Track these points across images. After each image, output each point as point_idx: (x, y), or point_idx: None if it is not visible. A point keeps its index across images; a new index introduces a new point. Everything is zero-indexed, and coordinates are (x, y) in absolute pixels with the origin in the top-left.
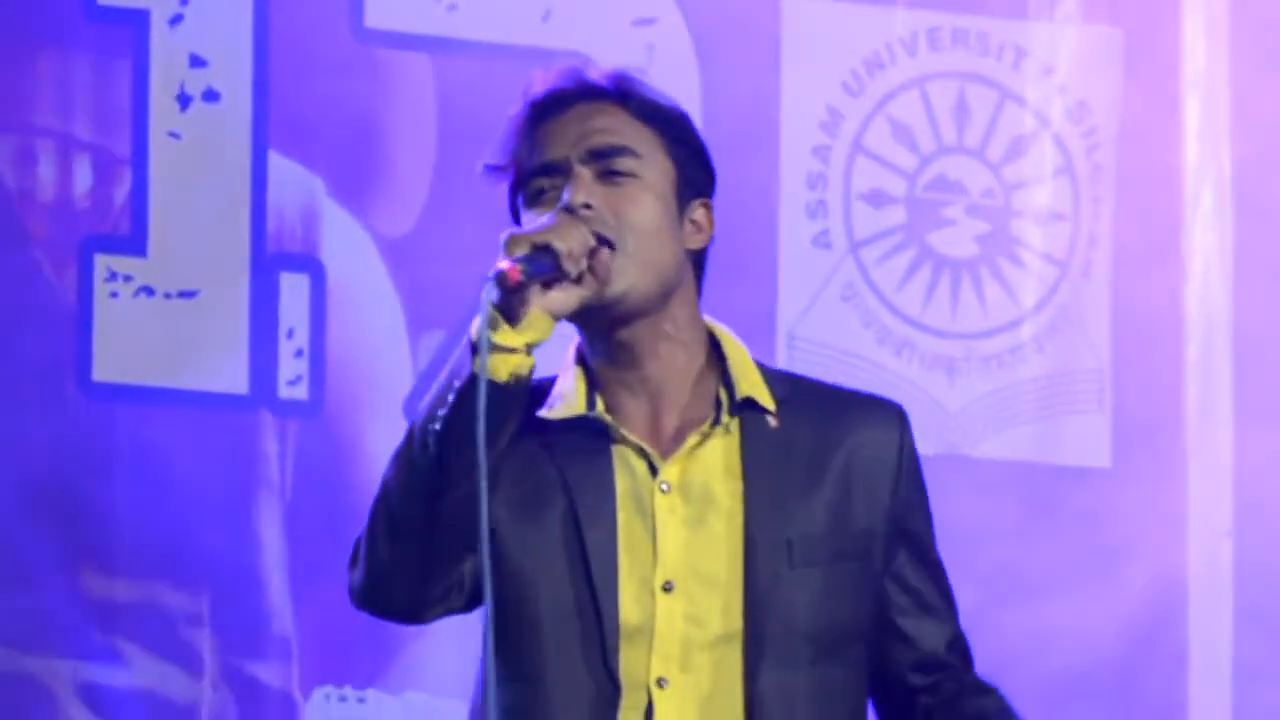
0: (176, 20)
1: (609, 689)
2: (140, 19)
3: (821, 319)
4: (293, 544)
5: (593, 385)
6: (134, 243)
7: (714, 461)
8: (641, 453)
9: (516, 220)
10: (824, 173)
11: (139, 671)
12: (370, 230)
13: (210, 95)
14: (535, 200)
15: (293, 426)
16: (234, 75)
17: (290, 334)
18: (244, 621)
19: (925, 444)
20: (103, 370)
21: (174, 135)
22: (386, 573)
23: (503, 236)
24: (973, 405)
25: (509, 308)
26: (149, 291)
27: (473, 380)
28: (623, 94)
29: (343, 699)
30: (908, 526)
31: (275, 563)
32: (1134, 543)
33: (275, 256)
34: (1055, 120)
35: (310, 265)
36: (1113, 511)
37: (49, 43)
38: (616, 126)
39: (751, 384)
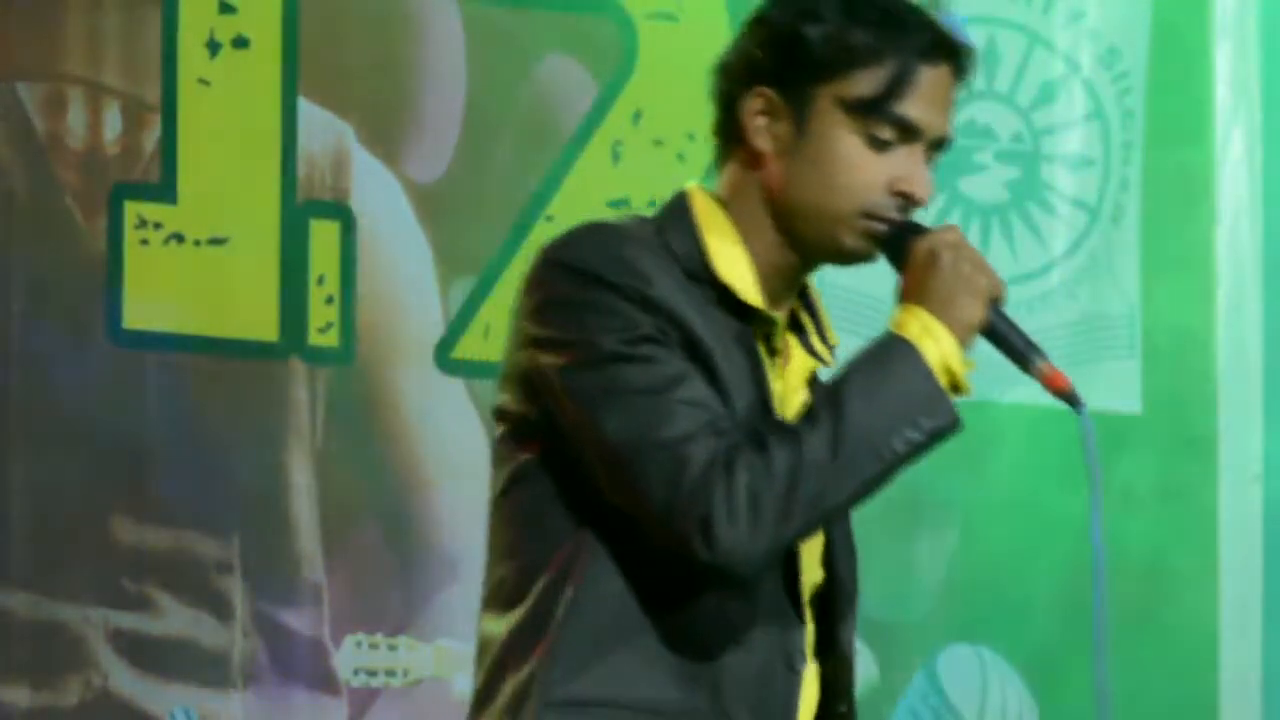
0: None
1: (798, 619)
2: None
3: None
4: (323, 491)
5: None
6: (164, 190)
7: (801, 400)
8: (772, 358)
9: (800, 97)
10: None
11: (170, 619)
12: (400, 177)
13: (240, 42)
14: (878, 145)
15: (323, 374)
16: (263, 21)
17: (321, 281)
18: (275, 569)
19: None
20: (133, 318)
21: (203, 82)
22: (783, 547)
23: (994, 292)
24: None
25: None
26: (179, 239)
27: (952, 424)
28: (965, 78)
29: (374, 646)
30: None
31: (306, 510)
32: (1165, 488)
33: (305, 204)
34: (1085, 65)
35: (340, 212)
36: (1144, 456)
37: None
38: (953, 113)
39: (829, 326)
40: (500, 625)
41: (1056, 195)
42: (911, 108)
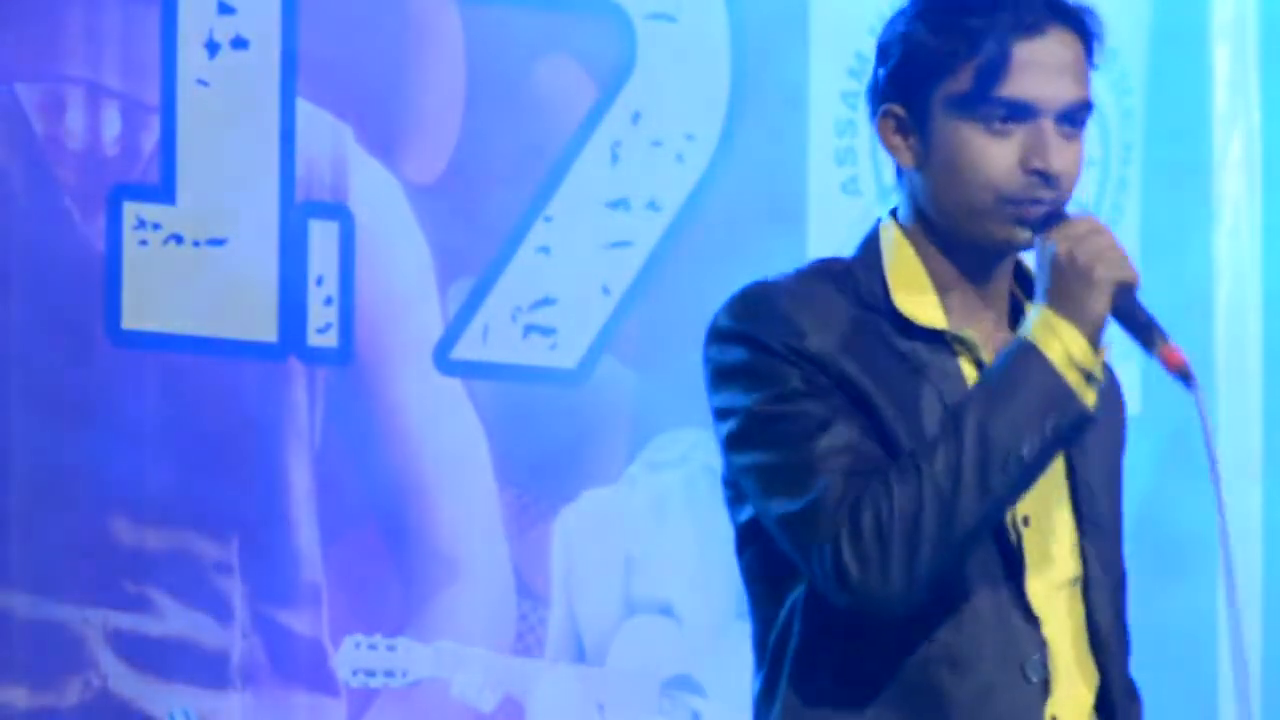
0: None
1: (1028, 625)
2: None
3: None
4: (322, 492)
5: (938, 290)
6: (163, 191)
7: None
8: (981, 369)
9: (918, 107)
10: (853, 119)
11: (169, 620)
12: (399, 177)
13: (239, 42)
14: (994, 131)
15: (322, 374)
16: (262, 22)
17: (319, 281)
18: (274, 570)
19: None
20: (132, 318)
21: (202, 83)
22: (923, 580)
23: (1117, 279)
24: None
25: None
26: (178, 240)
27: (1080, 419)
28: (1091, 34)
29: (373, 647)
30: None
31: (305, 511)
32: (1164, 490)
33: (304, 204)
34: None
35: (339, 212)
36: (1142, 458)
37: None
38: (1084, 74)
39: None
40: (755, 684)
41: None
42: (1016, 87)
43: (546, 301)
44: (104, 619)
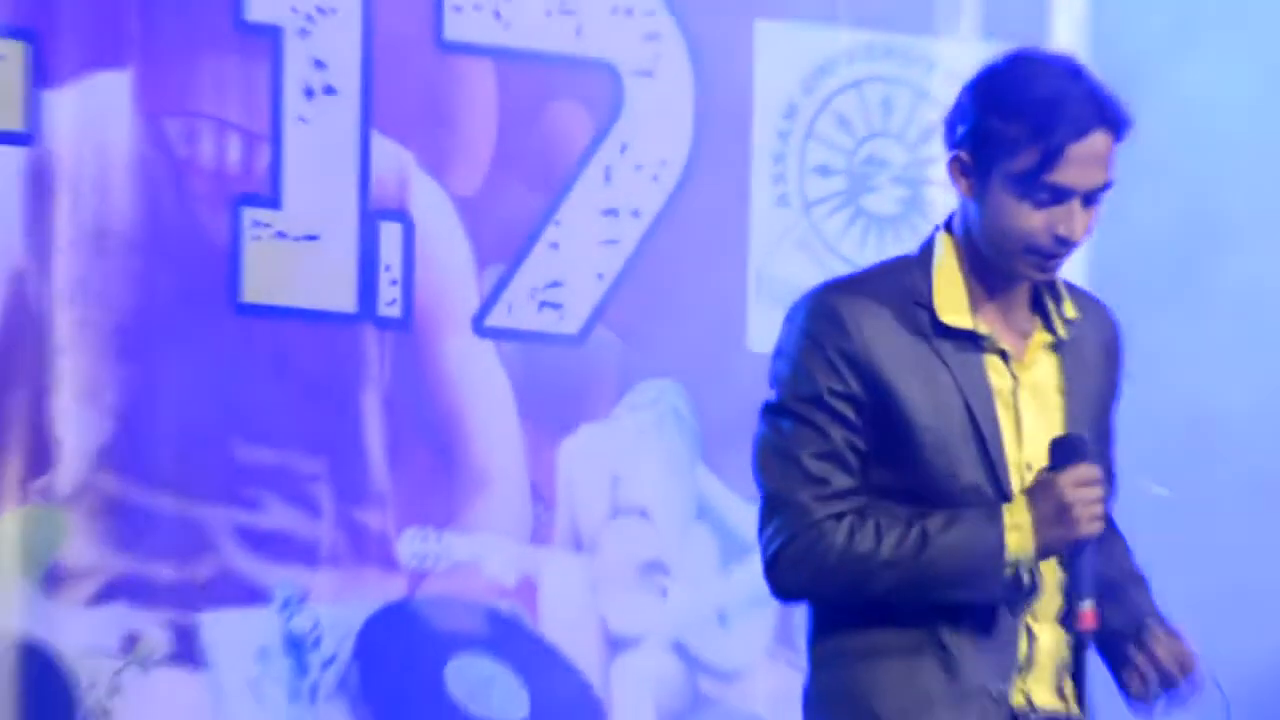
0: (304, 33)
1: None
2: (276, 32)
3: (782, 262)
4: (388, 423)
5: (969, 294)
6: (271, 199)
7: (1048, 364)
8: (1003, 358)
9: (982, 165)
10: (784, 151)
11: (275, 516)
12: (447, 190)
13: (329, 90)
14: (1038, 203)
15: (389, 337)
16: (347, 74)
17: (387, 268)
18: (352, 479)
19: None
20: (248, 295)
21: (302, 119)
22: (825, 599)
23: (1087, 534)
24: None
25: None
26: (283, 236)
27: (989, 597)
28: (1125, 131)
29: (425, 538)
30: (1113, 412)
31: (375, 437)
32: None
33: (376, 210)
34: None
35: (402, 217)
36: None
37: (210, 48)
38: (1112, 162)
39: (1067, 303)
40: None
41: (935, 209)
42: (1061, 176)
43: (556, 284)
44: (227, 515)
